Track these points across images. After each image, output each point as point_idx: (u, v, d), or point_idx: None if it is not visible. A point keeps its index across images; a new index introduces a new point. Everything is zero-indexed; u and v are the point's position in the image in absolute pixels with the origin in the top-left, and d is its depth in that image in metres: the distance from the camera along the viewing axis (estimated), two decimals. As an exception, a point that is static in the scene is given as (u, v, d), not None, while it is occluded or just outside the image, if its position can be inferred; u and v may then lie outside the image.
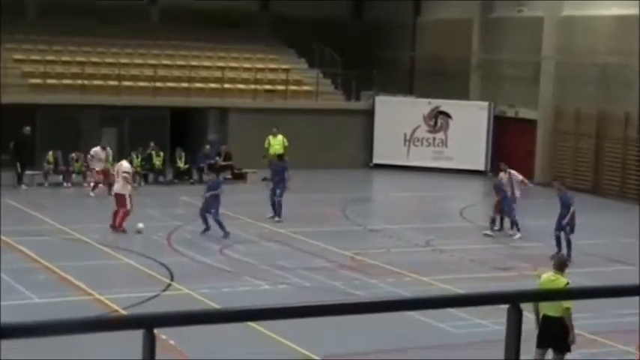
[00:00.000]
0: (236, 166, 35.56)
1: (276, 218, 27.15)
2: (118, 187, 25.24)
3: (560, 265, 13.96)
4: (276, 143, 34.18)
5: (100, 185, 30.97)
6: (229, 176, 35.34)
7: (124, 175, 24.99)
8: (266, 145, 34.17)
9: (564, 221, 23.21)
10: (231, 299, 18.19)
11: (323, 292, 19.18)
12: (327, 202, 30.96)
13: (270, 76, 40.03)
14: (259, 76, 39.44)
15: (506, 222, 26.57)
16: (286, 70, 40.22)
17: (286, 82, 39.56)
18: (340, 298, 18.56)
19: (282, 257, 22.52)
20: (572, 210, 23.24)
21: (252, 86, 39.02)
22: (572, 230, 23.26)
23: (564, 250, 22.69)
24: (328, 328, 15.44)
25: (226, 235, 24.39)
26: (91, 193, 30.58)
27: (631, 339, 16.28)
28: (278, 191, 27.56)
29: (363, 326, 15.96)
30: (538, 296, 4.02)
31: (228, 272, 20.87)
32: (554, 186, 24.40)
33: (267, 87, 39.28)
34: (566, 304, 13.16)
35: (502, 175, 26.72)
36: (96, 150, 31.89)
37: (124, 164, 25.65)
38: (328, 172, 36.32)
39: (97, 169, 31.47)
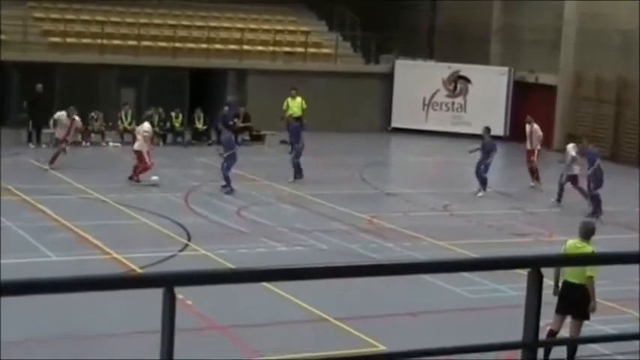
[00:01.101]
0: (254, 128, 35.54)
1: (292, 179, 27.09)
2: (136, 145, 26.27)
3: (587, 233, 13.57)
4: (295, 105, 34.13)
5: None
6: (247, 138, 35.37)
7: (145, 134, 26.22)
8: (284, 108, 34.12)
9: (588, 172, 24.33)
10: (248, 260, 18.25)
11: (339, 254, 19.22)
12: (345, 165, 30.93)
13: (290, 38, 39.89)
14: (278, 38, 39.32)
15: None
16: (306, 33, 40.06)
17: (305, 45, 39.42)
18: (356, 260, 18.60)
19: (299, 219, 22.56)
20: (596, 164, 24.29)
21: (271, 48, 38.91)
22: (597, 186, 24.29)
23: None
24: (344, 290, 15.50)
25: (228, 190, 24.64)
26: (47, 167, 27.23)
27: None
28: (294, 152, 27.61)
29: (379, 289, 15.99)
30: (558, 261, 4.00)
31: (245, 233, 20.92)
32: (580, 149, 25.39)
33: (286, 49, 39.15)
34: (589, 272, 13.06)
35: (527, 127, 28.83)
36: (60, 114, 28.79)
37: (146, 125, 26.79)
38: (346, 136, 36.25)
39: (59, 137, 28.18)
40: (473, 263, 4.19)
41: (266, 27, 40.02)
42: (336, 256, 19.05)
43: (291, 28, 40.58)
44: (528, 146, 28.72)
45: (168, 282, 3.66)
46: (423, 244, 20.67)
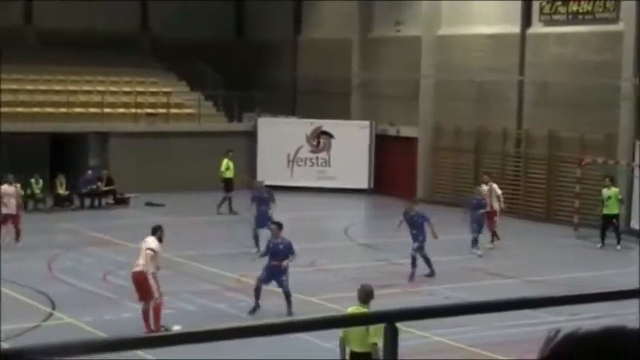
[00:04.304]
0: (118, 191, 35.10)
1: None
2: (138, 266, 18.68)
3: (366, 297, 13.27)
4: (232, 167, 34.22)
5: None
6: (112, 201, 34.90)
7: (149, 252, 18.63)
8: (222, 169, 33.98)
9: (421, 240, 23.41)
10: (115, 326, 17.89)
11: (208, 315, 19.04)
12: (212, 224, 30.78)
13: (151, 99, 39.70)
14: (140, 99, 39.09)
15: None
16: (167, 93, 39.95)
17: (167, 106, 39.29)
18: (225, 320, 18.44)
19: (166, 282, 22.17)
20: (426, 227, 23.60)
21: (133, 110, 38.64)
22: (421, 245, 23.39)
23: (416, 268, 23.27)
24: (215, 352, 15.29)
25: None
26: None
27: (510, 350, 16.61)
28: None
29: (246, 350, 15.85)
30: (413, 314, 4.02)
31: (112, 299, 20.53)
32: (406, 209, 24.39)
33: (149, 111, 38.94)
34: (372, 338, 12.74)
35: (484, 187, 27.71)
36: None
37: (151, 240, 18.87)
38: (212, 195, 36.04)
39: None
40: (333, 321, 4.18)
41: (127, 89, 39.75)
42: (204, 317, 18.84)
43: (152, 89, 40.40)
44: (487, 207, 27.20)
45: (18, 357, 3.54)
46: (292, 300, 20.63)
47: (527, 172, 34.35)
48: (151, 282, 18.35)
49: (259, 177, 39.40)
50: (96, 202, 34.55)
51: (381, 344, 12.99)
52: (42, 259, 24.47)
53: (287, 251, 20.01)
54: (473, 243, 26.25)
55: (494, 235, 27.42)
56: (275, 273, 19.70)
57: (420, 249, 23.37)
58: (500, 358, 16.48)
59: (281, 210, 35.29)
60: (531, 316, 17.29)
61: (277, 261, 19.80)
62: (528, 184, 34.19)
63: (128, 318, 18.74)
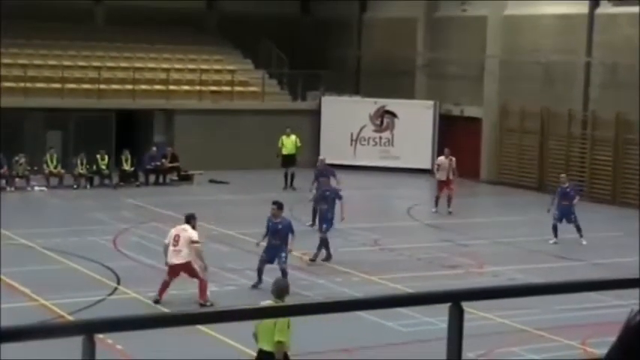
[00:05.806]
0: (182, 168, 35.37)
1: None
2: (179, 257, 18.47)
3: (280, 293, 12.27)
4: (289, 143, 34.50)
5: None
6: (176, 178, 35.19)
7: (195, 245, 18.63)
8: (279, 145, 34.39)
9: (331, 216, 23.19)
10: (179, 302, 18.07)
11: (270, 292, 19.08)
12: (274, 202, 30.78)
13: (216, 77, 39.90)
14: (205, 77, 39.29)
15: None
16: (232, 71, 40.11)
17: (232, 83, 39.45)
18: (288, 298, 18.50)
19: (230, 259, 22.43)
20: (340, 203, 23.46)
21: (198, 87, 38.87)
22: (328, 227, 22.82)
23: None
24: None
25: None
26: None
27: (575, 334, 16.49)
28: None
29: (312, 326, 15.90)
30: (480, 294, 3.95)
31: (176, 275, 20.68)
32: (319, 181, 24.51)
33: (213, 88, 39.14)
34: (278, 336, 11.73)
35: (442, 158, 30.12)
36: None
37: (191, 230, 18.69)
38: (275, 173, 36.19)
39: None
40: (397, 299, 4.16)
41: (192, 66, 39.99)
42: (267, 294, 18.87)
43: (217, 67, 40.58)
44: (443, 177, 29.61)
45: (86, 329, 3.58)
46: (354, 279, 20.68)
47: (594, 155, 33.93)
48: (196, 267, 18.31)
49: (322, 155, 39.53)
50: (160, 179, 34.87)
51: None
52: (107, 234, 24.78)
53: (286, 231, 19.92)
54: (553, 230, 25.69)
55: (449, 200, 29.27)
56: (275, 251, 19.78)
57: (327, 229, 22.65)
58: (566, 342, 16.34)
59: (344, 189, 35.36)
60: (595, 299, 17.15)
61: (277, 240, 19.80)
62: (594, 166, 33.78)
63: (193, 294, 18.89)
